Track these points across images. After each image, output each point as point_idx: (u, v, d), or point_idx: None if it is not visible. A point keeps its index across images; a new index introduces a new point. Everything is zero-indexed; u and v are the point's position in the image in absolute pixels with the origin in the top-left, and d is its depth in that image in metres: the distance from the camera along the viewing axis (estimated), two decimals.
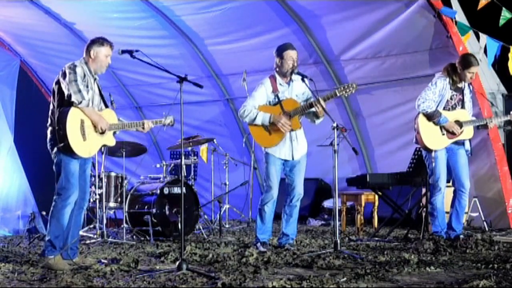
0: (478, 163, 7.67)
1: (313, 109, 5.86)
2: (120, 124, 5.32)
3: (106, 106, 5.34)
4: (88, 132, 5.06)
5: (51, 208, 5.10)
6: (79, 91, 4.97)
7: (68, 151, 4.97)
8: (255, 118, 5.89)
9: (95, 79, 5.25)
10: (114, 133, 5.39)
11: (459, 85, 6.36)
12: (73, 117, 4.98)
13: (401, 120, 8.16)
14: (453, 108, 6.36)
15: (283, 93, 5.96)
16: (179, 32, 8.92)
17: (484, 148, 7.62)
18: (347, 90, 5.80)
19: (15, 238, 7.62)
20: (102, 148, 5.38)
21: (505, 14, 7.22)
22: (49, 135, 5.08)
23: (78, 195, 5.18)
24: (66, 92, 4.99)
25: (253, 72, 8.43)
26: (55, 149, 5.01)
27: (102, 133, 5.16)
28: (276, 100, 5.93)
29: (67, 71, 5.04)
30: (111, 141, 5.33)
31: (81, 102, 4.98)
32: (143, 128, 5.42)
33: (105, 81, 10.18)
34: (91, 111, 5.07)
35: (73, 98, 4.96)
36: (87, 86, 5.11)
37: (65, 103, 4.99)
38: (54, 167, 5.09)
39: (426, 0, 7.20)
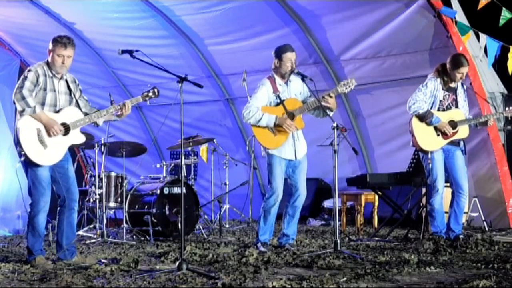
0: (478, 163, 7.67)
1: (315, 105, 5.87)
2: (87, 118, 5.19)
3: (78, 105, 5.25)
4: (47, 139, 5.01)
5: (28, 215, 5.14)
6: (23, 98, 4.94)
7: (31, 162, 4.98)
8: (260, 119, 5.85)
9: (61, 79, 5.18)
10: (98, 125, 5.32)
11: (452, 85, 6.35)
12: (27, 129, 4.96)
13: (401, 120, 8.14)
14: (448, 108, 6.34)
15: (283, 93, 5.96)
16: (179, 32, 8.92)
17: (484, 148, 7.62)
18: (347, 86, 5.84)
19: (15, 238, 7.62)
20: (103, 145, 5.28)
21: (505, 14, 7.22)
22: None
23: (65, 196, 5.19)
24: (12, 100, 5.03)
25: (253, 72, 8.42)
26: (20, 160, 5.03)
27: (66, 133, 5.09)
28: (278, 100, 5.93)
29: (21, 78, 5.06)
30: (78, 139, 5.22)
31: (24, 109, 4.95)
32: (121, 113, 5.25)
33: (105, 81, 10.20)
34: (40, 116, 4.99)
35: (17, 106, 4.97)
36: (45, 89, 5.08)
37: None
38: (23, 169, 5.10)
39: (426, 0, 7.20)
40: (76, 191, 5.28)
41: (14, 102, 5.02)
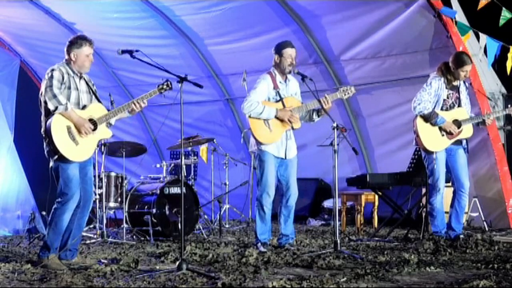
0: (478, 163, 7.67)
1: (313, 107, 5.89)
2: (108, 114, 5.21)
3: (100, 102, 5.28)
4: (78, 136, 5.03)
5: (51, 212, 5.11)
6: (54, 96, 4.95)
7: (64, 159, 4.98)
8: (261, 112, 5.83)
9: (81, 78, 5.22)
10: (111, 124, 5.35)
11: (455, 84, 6.36)
12: (58, 127, 4.95)
13: (401, 120, 8.17)
14: (451, 107, 6.34)
15: (282, 91, 5.97)
16: (179, 32, 8.92)
17: (484, 148, 7.62)
18: (346, 93, 5.90)
19: (15, 238, 7.62)
20: (103, 145, 5.25)
21: (505, 14, 7.23)
22: (44, 144, 5.07)
23: (82, 197, 5.18)
24: (42, 100, 5.03)
25: (253, 72, 8.39)
26: (51, 159, 5.01)
27: (94, 129, 5.12)
28: (278, 97, 5.93)
29: (45, 78, 5.06)
30: (106, 134, 5.29)
31: (56, 107, 4.94)
32: (132, 109, 5.24)
33: (105, 81, 10.19)
34: (70, 114, 4.99)
35: (49, 105, 4.96)
36: (70, 87, 5.10)
37: (50, 112, 4.99)
38: (53, 173, 5.06)
39: (426, 0, 7.20)
40: (92, 194, 5.30)
41: (44, 102, 4.99)
